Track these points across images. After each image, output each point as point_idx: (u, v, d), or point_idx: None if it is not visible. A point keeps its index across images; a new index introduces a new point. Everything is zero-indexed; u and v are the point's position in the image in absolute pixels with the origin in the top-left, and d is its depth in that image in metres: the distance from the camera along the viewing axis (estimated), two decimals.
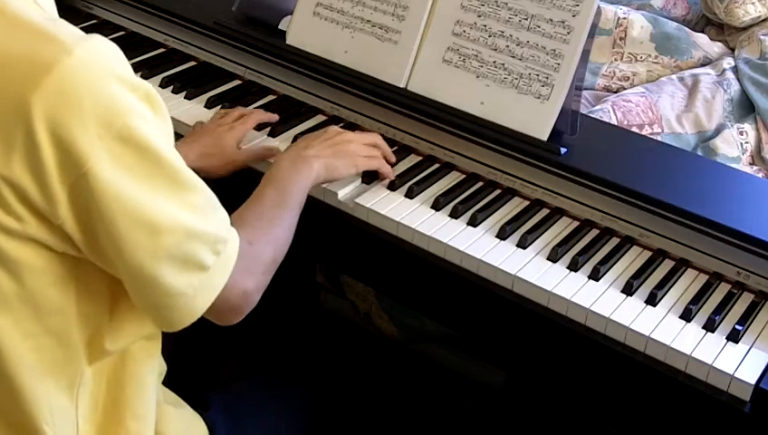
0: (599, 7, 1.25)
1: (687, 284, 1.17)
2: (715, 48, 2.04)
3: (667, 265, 1.19)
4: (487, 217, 1.25)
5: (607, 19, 1.98)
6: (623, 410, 1.16)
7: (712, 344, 1.07)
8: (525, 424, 1.70)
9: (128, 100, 0.79)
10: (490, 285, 1.17)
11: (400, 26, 1.37)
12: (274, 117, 1.40)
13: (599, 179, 1.23)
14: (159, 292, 0.86)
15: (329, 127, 1.27)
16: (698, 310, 1.12)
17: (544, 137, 1.26)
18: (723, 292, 1.15)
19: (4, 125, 0.76)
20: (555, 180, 1.27)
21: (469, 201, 1.27)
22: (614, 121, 1.73)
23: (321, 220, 1.30)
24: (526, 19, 1.28)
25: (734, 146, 1.76)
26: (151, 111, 0.82)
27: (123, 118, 0.78)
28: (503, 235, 1.22)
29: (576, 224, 1.26)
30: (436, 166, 1.35)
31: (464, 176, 1.34)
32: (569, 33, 1.25)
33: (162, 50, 1.65)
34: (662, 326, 1.09)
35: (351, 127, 1.42)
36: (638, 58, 1.98)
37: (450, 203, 1.27)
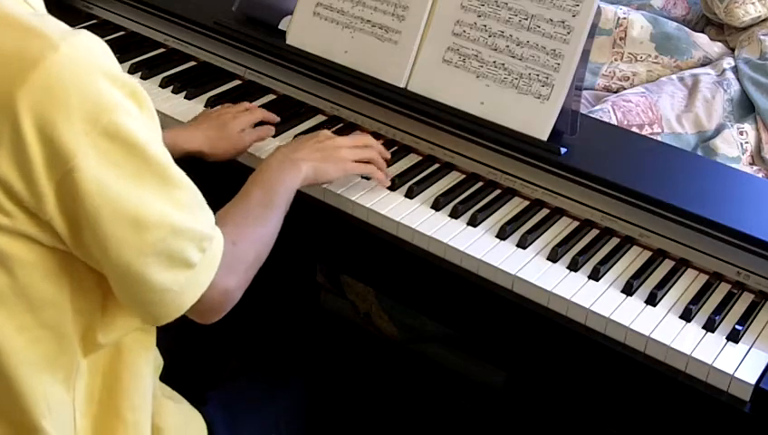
0: (599, 7, 1.25)
1: (687, 284, 1.17)
2: (715, 48, 2.04)
3: (667, 265, 1.19)
4: (487, 217, 1.25)
5: (607, 19, 1.98)
6: (623, 410, 1.16)
7: (712, 344, 1.07)
8: (525, 424, 1.70)
9: (114, 96, 0.79)
10: (490, 285, 1.17)
11: (400, 26, 1.37)
12: (276, 118, 1.41)
13: (599, 179, 1.23)
14: (145, 288, 0.86)
15: (320, 131, 1.27)
16: (698, 310, 1.12)
17: (544, 137, 1.26)
18: (723, 292, 1.15)
19: None
20: (555, 180, 1.27)
21: (469, 201, 1.27)
22: (614, 121, 1.73)
23: (321, 220, 1.30)
24: (526, 19, 1.28)
25: (734, 146, 1.76)
26: (137, 107, 0.82)
27: (110, 114, 0.78)
28: (503, 235, 1.22)
29: (576, 224, 1.26)
30: (436, 166, 1.35)
31: (464, 176, 1.34)
32: (569, 33, 1.25)
33: (162, 50, 1.65)
34: (662, 326, 1.09)
35: (351, 127, 1.42)
36: (638, 58, 1.98)
37: (450, 203, 1.27)
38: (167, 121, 1.43)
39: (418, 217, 1.24)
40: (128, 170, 0.81)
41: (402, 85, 1.36)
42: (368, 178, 1.31)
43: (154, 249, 0.84)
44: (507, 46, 1.30)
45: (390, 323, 1.87)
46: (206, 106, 1.47)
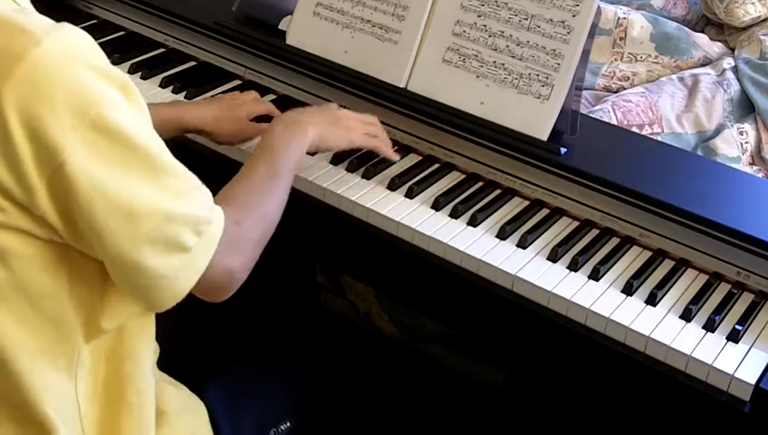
0: (599, 7, 1.25)
1: (687, 284, 1.17)
2: (715, 48, 2.04)
3: (667, 265, 1.19)
4: (487, 217, 1.25)
5: (607, 19, 1.98)
6: (623, 410, 1.16)
7: (712, 344, 1.07)
8: (525, 424, 1.70)
9: (100, 88, 0.79)
10: (490, 285, 1.17)
11: (400, 26, 1.37)
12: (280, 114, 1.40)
13: (599, 179, 1.23)
14: (141, 275, 0.86)
15: (330, 104, 1.26)
16: (698, 310, 1.12)
17: (544, 137, 1.26)
18: (723, 292, 1.15)
19: None
20: (555, 180, 1.27)
21: (469, 201, 1.27)
22: (614, 121, 1.73)
23: (321, 220, 1.31)
24: (526, 19, 1.28)
25: (734, 146, 1.76)
26: (125, 98, 0.82)
27: (97, 107, 0.78)
28: (503, 235, 1.22)
29: (576, 224, 1.26)
30: (436, 166, 1.35)
31: (464, 176, 1.34)
32: (569, 33, 1.25)
33: (162, 50, 1.65)
34: (662, 326, 1.09)
35: None
36: (638, 58, 1.98)
37: (450, 203, 1.27)
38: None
39: (418, 217, 1.24)
40: (118, 162, 0.80)
41: (402, 85, 1.36)
42: (368, 178, 1.31)
43: (148, 238, 0.84)
44: (507, 46, 1.30)
45: (390, 323, 1.87)
46: None
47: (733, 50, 2.04)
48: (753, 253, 1.13)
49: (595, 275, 1.16)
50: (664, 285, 1.15)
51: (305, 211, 1.26)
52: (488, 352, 1.57)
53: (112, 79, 0.80)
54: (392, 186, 1.29)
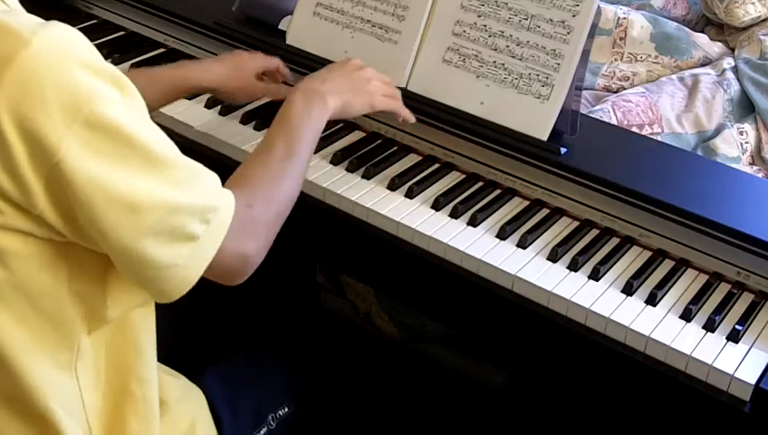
0: (599, 7, 1.25)
1: (687, 284, 1.17)
2: (715, 48, 2.04)
3: (667, 265, 1.19)
4: (487, 217, 1.25)
5: (607, 19, 1.98)
6: (623, 410, 1.16)
7: (712, 344, 1.07)
8: (525, 424, 1.70)
9: (92, 84, 0.78)
10: (490, 285, 1.17)
11: (400, 26, 1.37)
12: (287, 73, 1.40)
13: (599, 179, 1.23)
14: (148, 266, 0.85)
15: (350, 59, 1.24)
16: (698, 310, 1.12)
17: (544, 137, 1.26)
18: (723, 292, 1.15)
19: None
20: (555, 180, 1.27)
21: (469, 201, 1.27)
22: (614, 121, 1.73)
23: (321, 220, 1.30)
24: (526, 19, 1.28)
25: (734, 146, 1.76)
26: (119, 92, 0.81)
27: (89, 103, 0.78)
28: (503, 235, 1.22)
29: (576, 224, 1.26)
30: (436, 166, 1.35)
31: (464, 176, 1.34)
32: (569, 33, 1.25)
33: (162, 50, 1.65)
34: (662, 326, 1.09)
35: (351, 127, 1.42)
36: (638, 58, 1.98)
37: (450, 203, 1.27)
38: (166, 121, 1.43)
39: (418, 217, 1.24)
40: (115, 157, 0.80)
41: (402, 85, 1.36)
42: (368, 178, 1.31)
43: (153, 230, 0.83)
44: (507, 46, 1.30)
45: (390, 323, 1.87)
46: (205, 106, 1.47)
47: (733, 50, 2.04)
48: (753, 253, 1.13)
49: (595, 275, 1.16)
50: (664, 285, 1.15)
51: (305, 211, 1.25)
52: (488, 352, 1.57)
53: (104, 74, 0.80)
54: (392, 186, 1.29)
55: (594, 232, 1.24)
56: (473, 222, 1.23)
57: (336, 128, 1.42)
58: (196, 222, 0.87)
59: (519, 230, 1.23)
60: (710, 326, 1.09)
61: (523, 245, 1.20)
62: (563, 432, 1.64)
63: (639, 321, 1.09)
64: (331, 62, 1.41)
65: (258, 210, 0.97)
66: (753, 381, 1.02)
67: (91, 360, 0.95)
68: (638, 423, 1.14)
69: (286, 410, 1.25)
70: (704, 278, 1.18)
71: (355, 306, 1.92)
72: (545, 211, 1.28)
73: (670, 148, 1.51)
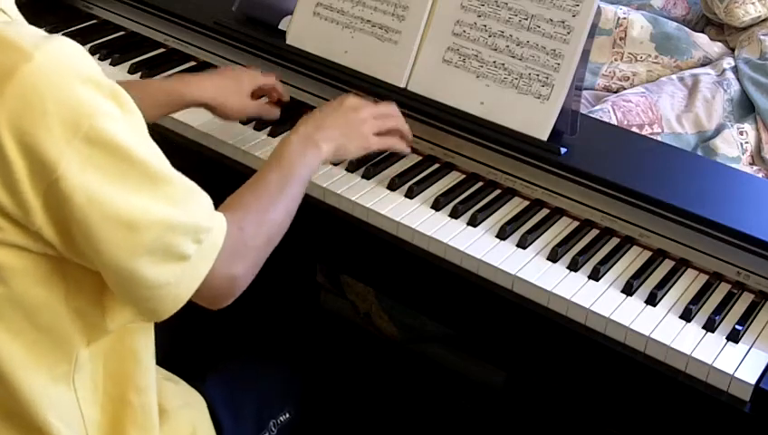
0: (599, 7, 1.25)
1: (687, 284, 1.17)
2: (715, 48, 2.04)
3: (667, 265, 1.19)
4: (487, 217, 1.25)
5: (607, 19, 1.98)
6: (623, 410, 1.16)
7: (712, 344, 1.07)
8: (525, 424, 1.70)
9: (93, 100, 0.78)
10: (490, 285, 1.17)
11: (400, 26, 1.37)
12: (285, 96, 1.41)
13: (599, 179, 1.23)
14: (141, 285, 0.85)
15: (346, 98, 1.24)
16: (698, 310, 1.12)
17: (544, 137, 1.26)
18: (723, 292, 1.15)
19: None
20: (555, 180, 1.27)
21: (469, 201, 1.27)
22: (614, 121, 1.73)
23: (321, 220, 1.30)
24: (526, 19, 1.28)
25: (734, 146, 1.76)
26: (118, 107, 0.81)
27: (90, 119, 0.78)
28: (503, 235, 1.22)
29: (576, 224, 1.26)
30: (436, 166, 1.35)
31: (464, 176, 1.34)
32: (569, 33, 1.25)
33: (162, 50, 1.65)
34: (662, 326, 1.09)
35: None
36: (638, 58, 1.98)
37: (450, 203, 1.27)
38: (166, 121, 1.43)
39: (418, 217, 1.24)
40: (114, 174, 0.80)
41: (402, 85, 1.36)
42: (368, 178, 1.31)
43: (147, 248, 0.83)
44: (507, 46, 1.30)
45: (390, 323, 1.87)
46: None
47: (733, 50, 2.04)
48: (753, 253, 1.13)
49: (595, 275, 1.16)
50: (664, 285, 1.15)
51: (305, 211, 1.25)
52: (488, 352, 1.57)
53: (105, 89, 0.80)
54: (392, 186, 1.29)
55: (594, 232, 1.24)
56: (473, 222, 1.23)
57: None
58: (189, 241, 0.87)
59: (519, 230, 1.23)
60: (710, 326, 1.09)
61: (523, 245, 1.20)
62: (563, 432, 1.64)
63: (639, 321, 1.09)
64: (331, 62, 1.42)
65: (249, 233, 0.97)
66: (753, 381, 1.02)
67: (88, 371, 0.95)
68: (638, 423, 1.14)
69: (287, 415, 1.25)
70: (704, 278, 1.18)
71: (355, 306, 1.92)
72: (545, 211, 1.28)
73: (670, 148, 1.51)
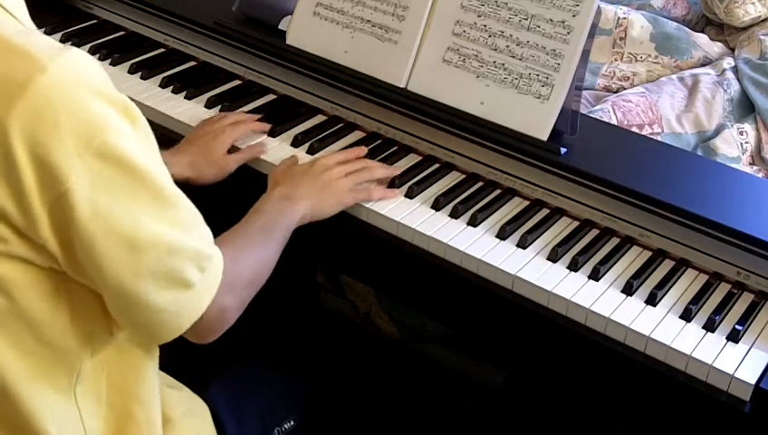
0: (599, 7, 1.25)
1: (687, 284, 1.16)
2: (715, 48, 2.04)
3: (667, 265, 1.19)
4: (487, 217, 1.25)
5: (607, 19, 1.98)
6: (623, 410, 1.16)
7: (712, 344, 1.07)
8: (525, 424, 1.70)
9: (106, 114, 0.78)
10: (490, 285, 1.17)
11: (400, 26, 1.37)
12: (267, 127, 1.39)
13: (599, 179, 1.23)
14: (142, 308, 0.85)
15: (317, 160, 1.26)
16: (698, 310, 1.12)
17: (544, 137, 1.26)
18: (723, 292, 1.15)
19: None
20: (555, 180, 1.27)
21: (469, 201, 1.27)
22: (614, 121, 1.73)
23: (321, 220, 1.30)
24: (526, 19, 1.28)
25: (734, 146, 1.76)
26: (130, 124, 0.81)
27: (102, 134, 0.77)
28: (503, 235, 1.22)
29: (576, 224, 1.26)
30: (436, 166, 1.35)
31: (464, 176, 1.34)
32: (569, 33, 1.25)
33: (162, 50, 1.65)
34: (662, 326, 1.09)
35: (351, 127, 1.42)
36: (638, 58, 1.98)
37: (450, 203, 1.27)
38: (166, 121, 1.43)
39: (418, 217, 1.24)
40: (122, 191, 0.80)
41: (402, 85, 1.36)
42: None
43: (150, 270, 0.83)
44: (507, 46, 1.30)
45: (390, 323, 1.87)
46: (205, 106, 1.47)
47: (733, 50, 2.04)
48: (753, 253, 1.13)
49: (595, 275, 1.16)
50: (664, 285, 1.15)
51: None
52: (488, 352, 1.57)
53: (117, 104, 0.80)
54: (392, 186, 1.29)
55: (594, 232, 1.24)
56: (473, 222, 1.23)
57: (336, 128, 1.42)
58: (193, 268, 0.86)
59: (519, 230, 1.23)
60: (710, 326, 1.09)
61: (523, 245, 1.20)
62: (563, 432, 1.64)
63: (639, 321, 1.09)
64: (331, 62, 1.42)
65: (241, 267, 0.98)
66: (753, 381, 1.02)
67: (91, 383, 0.94)
68: (638, 423, 1.14)
69: (291, 423, 1.25)
70: (704, 278, 1.18)
71: (355, 306, 1.92)
72: (545, 211, 1.28)
73: (670, 148, 1.51)
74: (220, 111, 1.45)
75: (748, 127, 1.80)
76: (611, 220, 1.24)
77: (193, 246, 0.86)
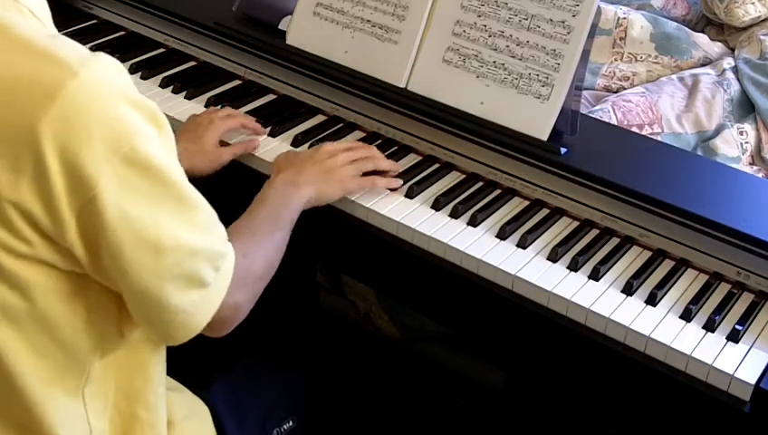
0: (599, 7, 1.25)
1: (687, 284, 1.16)
2: (715, 48, 2.04)
3: (667, 265, 1.19)
4: (487, 217, 1.25)
5: (607, 19, 1.98)
6: (623, 410, 1.16)
7: (712, 344, 1.07)
8: (525, 424, 1.70)
9: (134, 120, 0.79)
10: (490, 285, 1.17)
11: (400, 26, 1.37)
12: (259, 127, 1.39)
13: (599, 179, 1.23)
14: (162, 309, 0.86)
15: (322, 146, 1.26)
16: (698, 310, 1.12)
17: (544, 137, 1.26)
18: (723, 292, 1.15)
19: (11, 150, 0.76)
20: (555, 180, 1.27)
21: (469, 201, 1.27)
22: (614, 121, 1.73)
23: (321, 220, 1.30)
24: (526, 19, 1.28)
25: (734, 146, 1.76)
26: (156, 129, 0.82)
27: (130, 140, 0.78)
28: (503, 235, 1.22)
29: (576, 224, 1.26)
30: (436, 166, 1.35)
31: (464, 176, 1.34)
32: (569, 33, 1.25)
33: (162, 50, 1.65)
34: (662, 326, 1.09)
35: (351, 127, 1.42)
36: (638, 58, 1.98)
37: (450, 203, 1.27)
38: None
39: (418, 217, 1.24)
40: (148, 196, 0.80)
41: (402, 85, 1.36)
42: None
43: (172, 272, 0.84)
44: (507, 46, 1.30)
45: (390, 323, 1.87)
46: (206, 106, 1.47)
47: (733, 50, 2.04)
48: (753, 253, 1.13)
49: (595, 275, 1.16)
50: (664, 285, 1.15)
51: (305, 211, 1.25)
52: (488, 352, 1.57)
53: (144, 110, 0.80)
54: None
55: (594, 232, 1.24)
56: (473, 222, 1.23)
57: (336, 128, 1.42)
58: (209, 268, 0.87)
59: (519, 230, 1.23)
60: (710, 326, 1.09)
61: (523, 245, 1.20)
62: (563, 432, 1.64)
63: (639, 321, 1.09)
64: (331, 62, 1.42)
65: (251, 260, 0.99)
66: (753, 381, 1.02)
67: (99, 384, 0.94)
68: (638, 423, 1.14)
69: (291, 423, 1.25)
70: (704, 278, 1.18)
71: (355, 306, 1.92)
72: (545, 211, 1.28)
73: (670, 148, 1.51)
74: None
75: (748, 127, 1.80)
76: (611, 220, 1.24)
77: (211, 247, 0.87)
